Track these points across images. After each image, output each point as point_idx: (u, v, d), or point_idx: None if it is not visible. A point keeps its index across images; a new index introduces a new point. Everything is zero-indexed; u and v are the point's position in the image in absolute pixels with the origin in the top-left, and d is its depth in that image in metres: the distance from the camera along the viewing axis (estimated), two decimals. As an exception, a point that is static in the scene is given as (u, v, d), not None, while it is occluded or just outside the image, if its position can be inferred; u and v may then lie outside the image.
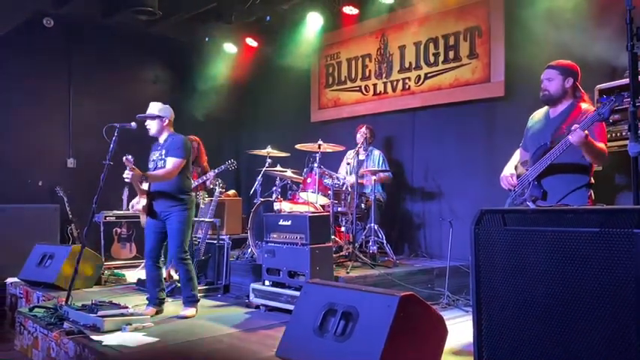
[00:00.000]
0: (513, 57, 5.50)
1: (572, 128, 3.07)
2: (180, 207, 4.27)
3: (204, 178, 6.24)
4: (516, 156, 3.77)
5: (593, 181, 3.38)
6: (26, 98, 7.04)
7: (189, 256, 4.41)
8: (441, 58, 6.16)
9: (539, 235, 2.00)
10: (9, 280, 5.71)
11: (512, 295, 2.07)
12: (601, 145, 3.22)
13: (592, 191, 3.35)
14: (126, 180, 4.05)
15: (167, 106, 4.44)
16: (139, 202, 4.36)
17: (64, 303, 4.18)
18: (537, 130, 3.54)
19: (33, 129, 7.09)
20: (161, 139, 4.40)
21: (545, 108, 3.58)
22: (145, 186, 4.37)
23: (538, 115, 3.65)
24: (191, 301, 4.35)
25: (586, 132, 3.02)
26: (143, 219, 4.46)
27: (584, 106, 3.41)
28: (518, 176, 3.59)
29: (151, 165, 4.41)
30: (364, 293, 2.87)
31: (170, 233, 4.31)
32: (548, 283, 1.96)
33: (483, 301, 2.16)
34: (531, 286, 2.01)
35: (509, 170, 3.66)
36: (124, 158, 4.02)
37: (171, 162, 4.24)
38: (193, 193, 4.46)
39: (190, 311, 4.30)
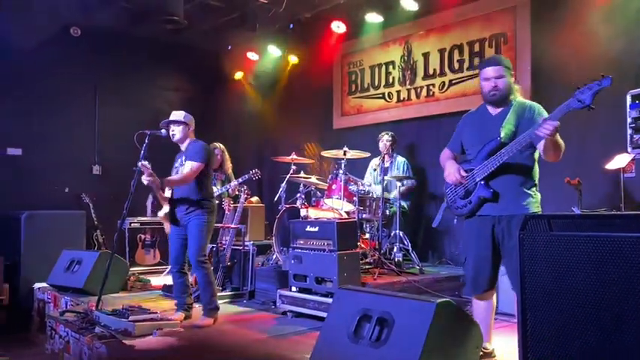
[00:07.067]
0: (540, 64, 5.48)
1: (544, 120, 2.80)
2: (199, 212, 4.26)
3: (227, 186, 6.27)
4: (446, 156, 3.43)
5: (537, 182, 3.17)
6: (53, 106, 7.15)
7: (207, 261, 4.36)
8: (466, 65, 6.16)
9: (586, 241, 1.98)
10: (37, 285, 5.78)
11: (559, 301, 2.05)
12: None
13: (539, 194, 3.14)
14: (145, 183, 4.06)
15: (190, 115, 4.47)
16: (162, 210, 4.40)
17: (94, 308, 4.23)
18: (479, 128, 3.22)
19: (60, 137, 7.19)
20: (183, 147, 4.44)
21: (482, 107, 3.27)
22: (167, 193, 4.41)
23: (473, 114, 3.35)
24: (210, 309, 4.25)
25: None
26: (167, 226, 4.50)
27: (525, 99, 3.21)
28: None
29: (173, 172, 4.43)
30: (399, 299, 2.85)
31: (189, 237, 4.30)
32: (595, 289, 1.94)
33: (528, 306, 2.14)
34: (578, 292, 1.98)
35: (455, 164, 3.25)
36: (140, 164, 4.01)
37: (188, 166, 4.24)
38: (214, 199, 4.44)
39: (207, 321, 4.20)
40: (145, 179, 4.04)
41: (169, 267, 4.56)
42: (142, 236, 7.27)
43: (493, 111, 3.19)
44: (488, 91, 3.14)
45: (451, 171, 3.25)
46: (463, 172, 3.20)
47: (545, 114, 3.01)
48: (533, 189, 3.13)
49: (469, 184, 3.18)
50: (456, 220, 3.60)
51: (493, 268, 3.14)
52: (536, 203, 3.12)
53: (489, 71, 3.14)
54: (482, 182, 3.11)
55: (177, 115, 4.41)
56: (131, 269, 6.31)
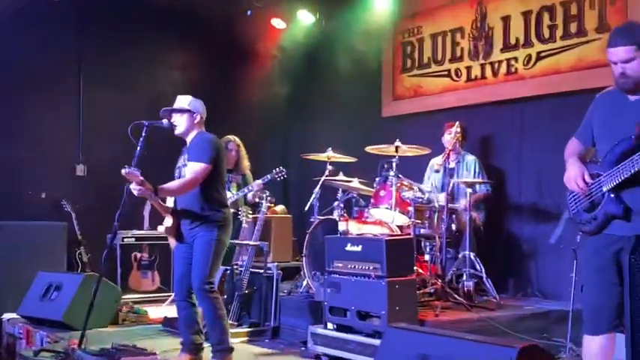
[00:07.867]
0: (660, 29, 5.34)
1: None
2: (207, 225, 4.28)
3: (248, 189, 6.28)
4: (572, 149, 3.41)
5: None
6: (27, 90, 7.29)
7: (215, 289, 4.36)
8: (560, 33, 6.08)
9: None
10: (5, 316, 5.94)
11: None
12: None
13: None
14: (136, 194, 4.07)
15: (199, 100, 4.49)
16: (165, 221, 4.45)
17: (76, 346, 4.31)
18: (612, 118, 3.19)
19: (35, 127, 7.35)
20: (189, 141, 4.47)
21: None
22: (169, 202, 4.47)
23: (608, 96, 3.29)
24: (221, 350, 4.27)
25: None
26: (172, 242, 4.57)
27: None
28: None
29: (175, 173, 4.50)
30: (469, 342, 2.87)
31: (193, 258, 4.31)
32: None
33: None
34: None
35: (579, 165, 3.21)
36: (124, 171, 3.97)
37: (191, 168, 4.25)
38: (227, 209, 4.46)
39: None
40: (133, 189, 4.05)
41: (173, 294, 4.60)
42: (138, 255, 7.41)
43: (632, 96, 3.13)
44: (616, 78, 3.10)
45: (572, 175, 3.21)
46: (588, 177, 3.16)
47: None
48: None
49: (595, 193, 3.14)
50: (579, 237, 3.58)
51: (619, 301, 3.08)
52: None
53: (615, 53, 3.05)
54: (612, 194, 3.05)
55: (181, 101, 4.45)
56: (124, 297, 6.44)
